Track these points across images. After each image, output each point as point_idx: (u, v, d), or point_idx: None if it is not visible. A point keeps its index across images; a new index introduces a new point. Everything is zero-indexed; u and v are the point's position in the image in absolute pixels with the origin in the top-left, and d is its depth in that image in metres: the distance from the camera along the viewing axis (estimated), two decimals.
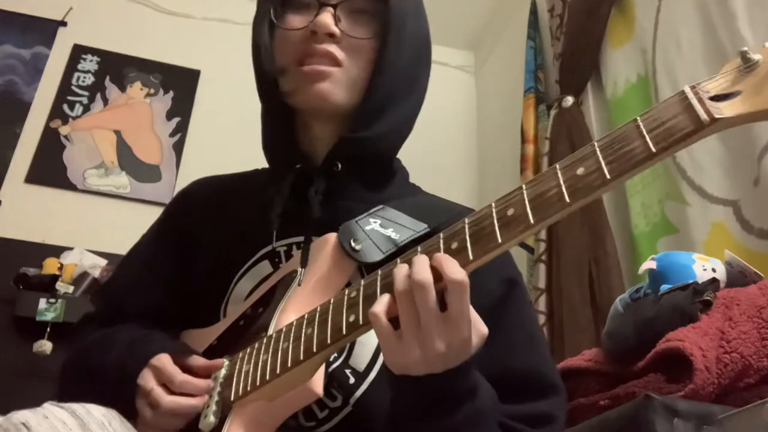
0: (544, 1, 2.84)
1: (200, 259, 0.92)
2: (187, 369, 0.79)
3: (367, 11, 0.87)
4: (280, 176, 0.88)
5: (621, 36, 2.24)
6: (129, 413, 0.72)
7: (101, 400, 0.67)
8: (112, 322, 0.91)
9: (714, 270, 1.20)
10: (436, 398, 0.64)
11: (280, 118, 0.90)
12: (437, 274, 0.61)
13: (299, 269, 0.80)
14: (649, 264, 1.23)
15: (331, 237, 0.80)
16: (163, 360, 0.78)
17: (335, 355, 0.79)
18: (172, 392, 0.76)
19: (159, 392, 0.75)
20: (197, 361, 0.80)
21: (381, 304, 0.63)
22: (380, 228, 0.81)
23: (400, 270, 0.62)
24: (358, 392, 0.78)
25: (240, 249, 0.88)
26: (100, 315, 0.96)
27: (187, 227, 0.95)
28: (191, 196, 0.99)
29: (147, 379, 0.77)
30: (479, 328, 0.64)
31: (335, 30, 0.84)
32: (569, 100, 2.40)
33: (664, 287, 1.17)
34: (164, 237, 0.97)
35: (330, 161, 0.87)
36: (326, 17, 0.84)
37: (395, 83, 0.88)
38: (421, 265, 0.61)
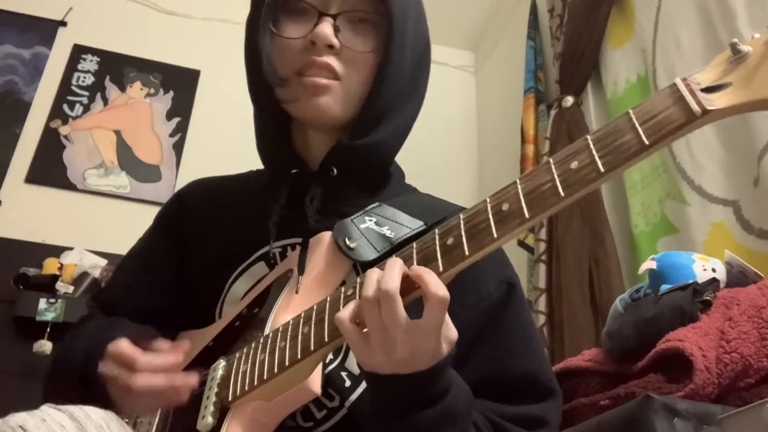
0: (544, 1, 2.84)
1: (195, 260, 0.91)
2: (151, 351, 0.78)
3: (368, 21, 0.85)
4: (276, 181, 0.88)
5: (621, 36, 2.24)
6: (108, 405, 0.70)
7: (80, 400, 0.66)
8: None
9: (714, 270, 1.20)
10: (402, 397, 0.64)
11: (275, 123, 0.89)
12: (412, 283, 0.61)
13: (295, 270, 0.79)
14: (649, 264, 1.23)
15: (326, 235, 0.80)
16: (120, 345, 0.76)
17: (331, 357, 0.79)
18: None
19: (126, 376, 0.74)
20: (162, 344, 0.79)
21: (347, 311, 0.63)
22: (375, 226, 0.80)
23: (371, 276, 0.62)
24: (353, 395, 0.77)
25: (236, 250, 0.88)
26: (91, 317, 0.95)
27: (182, 228, 0.94)
28: (187, 198, 0.98)
29: (109, 368, 0.75)
30: (449, 335, 0.64)
31: (335, 42, 0.82)
32: (569, 100, 2.40)
33: (664, 287, 1.17)
34: (160, 238, 0.96)
35: (326, 166, 0.86)
36: (325, 28, 0.81)
37: (395, 93, 0.87)
38: (390, 274, 0.61)
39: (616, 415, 0.96)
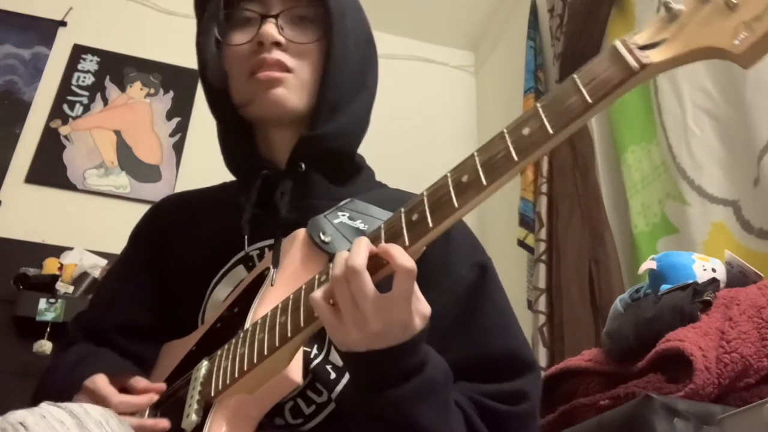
0: (544, 1, 2.84)
1: (175, 271, 0.93)
2: (126, 390, 0.80)
3: (307, 17, 0.90)
4: (247, 184, 0.90)
5: (621, 36, 2.24)
6: None
7: None
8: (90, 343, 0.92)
9: (714, 270, 1.20)
10: (379, 372, 0.66)
11: (238, 131, 0.93)
12: (381, 260, 0.64)
13: (271, 267, 0.81)
14: (649, 264, 1.23)
15: (300, 232, 0.82)
16: (97, 382, 0.79)
17: (315, 352, 0.80)
18: None
19: None
20: (139, 382, 0.81)
21: (320, 291, 0.65)
22: (348, 220, 0.83)
23: (340, 256, 0.65)
24: (339, 386, 0.79)
25: (214, 257, 0.90)
26: (75, 340, 0.95)
27: (159, 242, 0.96)
28: (161, 212, 1.01)
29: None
30: (421, 309, 0.66)
31: (280, 38, 0.87)
32: None
33: (664, 287, 1.17)
34: (138, 254, 0.98)
35: (293, 162, 0.89)
36: (270, 28, 0.87)
37: (346, 81, 0.90)
38: (356, 251, 0.63)
39: (616, 415, 0.96)
